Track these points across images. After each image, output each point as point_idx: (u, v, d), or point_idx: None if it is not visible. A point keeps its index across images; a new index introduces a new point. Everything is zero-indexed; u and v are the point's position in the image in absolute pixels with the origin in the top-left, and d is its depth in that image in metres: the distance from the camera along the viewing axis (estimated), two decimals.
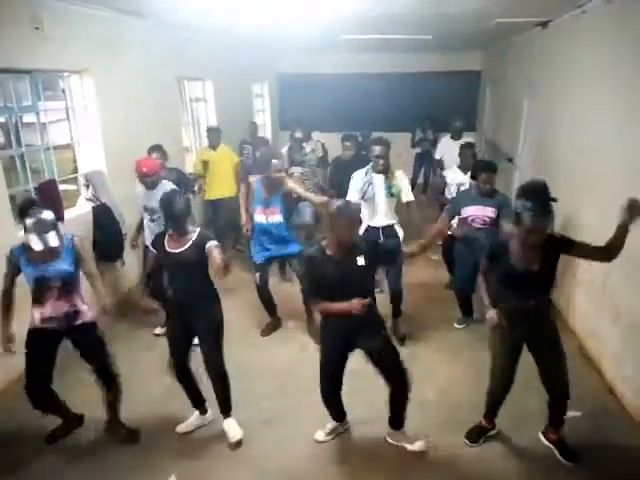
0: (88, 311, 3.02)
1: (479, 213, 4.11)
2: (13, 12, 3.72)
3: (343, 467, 3.04)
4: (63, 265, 2.87)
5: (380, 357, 2.92)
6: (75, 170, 4.97)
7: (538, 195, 2.69)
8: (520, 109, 6.79)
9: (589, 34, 4.49)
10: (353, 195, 4.15)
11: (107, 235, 4.55)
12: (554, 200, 2.67)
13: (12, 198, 4.00)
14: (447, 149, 6.41)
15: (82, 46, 4.49)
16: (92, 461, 3.08)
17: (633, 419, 3.35)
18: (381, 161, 4.07)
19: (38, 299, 2.91)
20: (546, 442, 3.12)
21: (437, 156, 6.83)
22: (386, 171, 4.12)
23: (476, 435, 3.19)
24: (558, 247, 2.74)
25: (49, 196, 4.18)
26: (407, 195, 4.16)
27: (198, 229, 3.11)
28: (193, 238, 3.04)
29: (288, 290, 4.88)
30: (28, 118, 4.37)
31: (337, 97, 10.32)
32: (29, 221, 2.76)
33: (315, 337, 2.94)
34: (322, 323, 2.98)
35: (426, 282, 5.29)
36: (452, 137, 6.55)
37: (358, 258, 2.77)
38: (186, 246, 3.01)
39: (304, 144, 6.09)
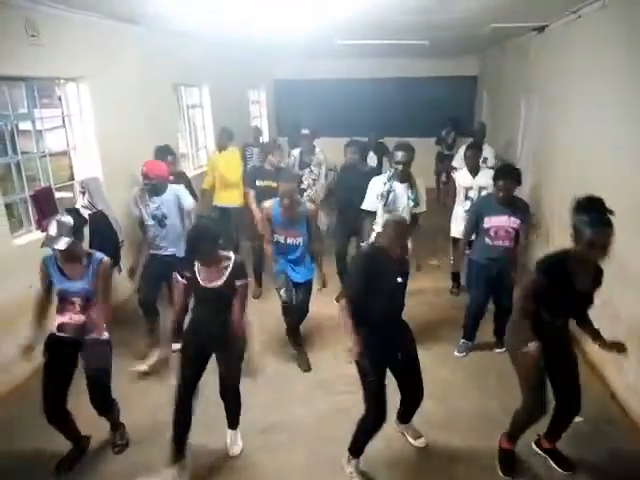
0: (104, 329, 2.96)
1: (504, 224, 3.70)
2: (8, 19, 3.70)
3: (338, 476, 2.97)
4: (84, 284, 2.86)
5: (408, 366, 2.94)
6: (71, 177, 4.93)
7: (596, 208, 2.51)
8: (517, 114, 6.80)
9: (585, 39, 4.50)
10: (372, 201, 3.95)
11: (103, 242, 4.51)
12: (611, 213, 2.49)
13: (8, 206, 3.97)
14: None
15: (78, 53, 4.47)
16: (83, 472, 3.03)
17: (635, 425, 3.33)
18: (402, 167, 3.83)
19: (60, 310, 2.93)
20: (539, 451, 3.08)
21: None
22: (409, 179, 3.91)
23: (509, 467, 2.94)
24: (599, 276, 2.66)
25: (45, 203, 4.15)
26: (424, 205, 3.99)
27: (233, 257, 2.84)
28: (229, 269, 2.79)
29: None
30: (24, 125, 4.35)
31: (334, 103, 10.34)
32: (50, 225, 2.72)
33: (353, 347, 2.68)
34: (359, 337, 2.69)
35: (425, 288, 5.28)
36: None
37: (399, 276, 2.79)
38: (223, 279, 2.79)
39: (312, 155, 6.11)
